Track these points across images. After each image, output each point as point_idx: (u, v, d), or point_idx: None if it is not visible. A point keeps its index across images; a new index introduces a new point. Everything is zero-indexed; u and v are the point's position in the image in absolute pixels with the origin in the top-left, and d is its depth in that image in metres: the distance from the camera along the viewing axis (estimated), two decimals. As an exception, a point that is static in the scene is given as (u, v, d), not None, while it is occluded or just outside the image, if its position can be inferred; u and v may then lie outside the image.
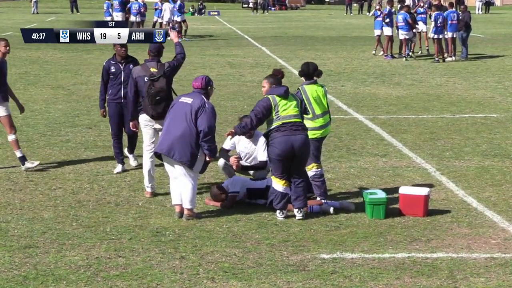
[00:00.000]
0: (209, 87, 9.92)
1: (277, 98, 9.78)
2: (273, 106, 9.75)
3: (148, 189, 10.86)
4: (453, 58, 28.87)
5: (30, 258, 8.34)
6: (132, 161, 12.61)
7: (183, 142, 9.56)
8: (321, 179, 10.40)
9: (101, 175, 12.06)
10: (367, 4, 72.84)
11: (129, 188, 11.30)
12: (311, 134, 10.15)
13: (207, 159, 9.71)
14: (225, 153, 11.02)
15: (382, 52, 30.18)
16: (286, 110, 9.75)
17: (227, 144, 11.06)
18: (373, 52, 30.95)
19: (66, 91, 20.70)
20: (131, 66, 12.03)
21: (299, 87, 10.36)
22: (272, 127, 9.73)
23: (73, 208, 10.29)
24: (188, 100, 9.75)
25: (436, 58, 28.38)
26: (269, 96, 9.81)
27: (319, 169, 10.40)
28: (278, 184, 9.80)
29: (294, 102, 9.86)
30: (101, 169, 12.40)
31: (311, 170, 10.31)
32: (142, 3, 40.38)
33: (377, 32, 30.50)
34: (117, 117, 12.20)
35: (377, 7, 32.57)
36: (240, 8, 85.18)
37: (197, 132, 9.58)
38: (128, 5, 40.85)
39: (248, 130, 10.00)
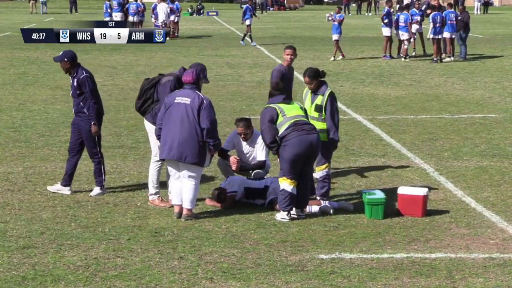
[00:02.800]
0: (199, 80, 9.87)
1: (279, 104, 9.93)
2: (278, 111, 9.86)
3: (150, 197, 10.58)
4: (452, 58, 28.88)
5: (29, 259, 8.34)
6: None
7: (193, 144, 9.55)
8: (329, 180, 10.45)
9: (100, 175, 12.04)
10: (366, 4, 72.83)
11: (128, 188, 11.29)
12: (324, 137, 10.30)
13: (212, 153, 9.83)
14: (225, 154, 11.01)
15: (341, 57, 29.37)
16: (291, 111, 9.90)
17: (226, 144, 11.06)
18: (332, 58, 29.39)
19: (64, 92, 20.67)
20: (75, 82, 10.78)
21: (331, 93, 10.32)
22: (286, 127, 9.78)
23: (72, 208, 10.29)
24: (186, 100, 9.68)
25: (435, 59, 28.39)
26: (270, 105, 9.97)
27: (329, 170, 10.45)
28: (289, 186, 9.77)
29: (298, 106, 10.07)
30: (100, 170, 12.38)
31: (323, 170, 10.35)
32: (140, 4, 40.37)
33: (334, 37, 29.49)
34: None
35: (333, 12, 31.23)
36: (238, 9, 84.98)
37: (202, 130, 9.58)
38: (126, 6, 40.87)
39: (274, 147, 9.88)
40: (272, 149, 9.99)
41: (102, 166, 10.94)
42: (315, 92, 10.36)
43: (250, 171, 10.94)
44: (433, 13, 28.91)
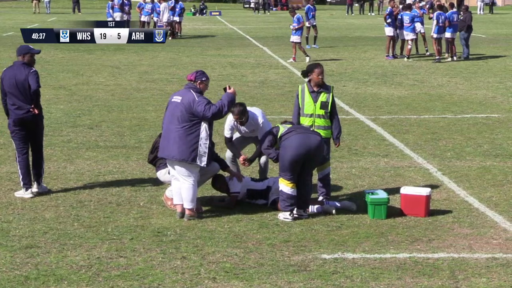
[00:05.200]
0: (199, 81, 9.85)
1: (283, 125, 10.16)
2: (280, 126, 10.10)
3: (167, 193, 10.46)
4: (454, 58, 28.87)
5: (32, 258, 8.34)
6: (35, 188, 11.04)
7: (181, 143, 9.57)
8: (329, 178, 10.46)
9: (103, 175, 12.06)
10: (369, 4, 72.78)
11: (131, 188, 11.29)
12: (329, 134, 10.40)
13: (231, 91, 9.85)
14: (230, 142, 10.94)
15: (291, 60, 28.18)
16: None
17: (226, 132, 10.96)
18: (291, 59, 28.31)
19: (67, 91, 20.71)
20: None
21: (333, 88, 10.41)
22: (287, 128, 9.95)
23: (75, 208, 10.29)
24: (178, 98, 9.73)
25: (437, 57, 28.41)
26: (278, 125, 10.25)
27: (330, 168, 10.48)
28: (286, 187, 9.79)
29: (318, 105, 10.20)
30: (103, 169, 12.40)
31: (326, 168, 10.36)
32: (156, 3, 40.13)
33: (294, 38, 28.34)
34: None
35: (292, 13, 29.51)
36: (241, 8, 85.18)
37: (193, 129, 9.57)
38: (140, 5, 40.73)
39: (270, 153, 10.05)
40: (269, 155, 10.09)
41: (17, 166, 10.98)
42: (317, 90, 10.30)
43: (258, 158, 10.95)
44: (436, 12, 28.94)
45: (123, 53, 31.29)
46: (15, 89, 10.74)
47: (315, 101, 10.28)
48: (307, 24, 33.33)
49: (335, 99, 10.59)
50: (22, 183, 10.88)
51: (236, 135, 11.08)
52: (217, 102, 9.74)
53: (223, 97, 9.80)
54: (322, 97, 10.24)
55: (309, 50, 31.54)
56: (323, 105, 10.23)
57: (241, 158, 10.83)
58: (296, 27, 28.45)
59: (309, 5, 34.14)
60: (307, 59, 28.03)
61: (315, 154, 9.81)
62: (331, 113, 10.28)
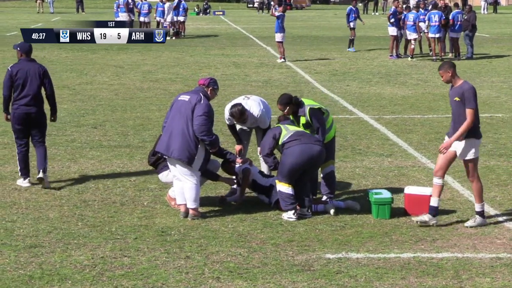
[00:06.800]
0: (210, 88, 9.92)
1: (285, 125, 10.15)
2: (282, 128, 10.08)
3: (170, 193, 10.46)
4: (458, 58, 28.89)
5: (36, 258, 8.35)
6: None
7: (182, 140, 9.58)
8: (334, 176, 10.46)
9: (106, 174, 12.06)
10: (373, 3, 72.73)
11: (134, 188, 11.30)
12: (328, 137, 10.43)
13: (211, 151, 9.82)
14: (233, 129, 10.95)
15: (282, 60, 27.99)
16: (295, 128, 10.14)
17: (227, 122, 10.94)
18: (282, 60, 28.14)
19: (71, 91, 20.72)
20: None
21: (309, 109, 10.28)
22: (289, 135, 9.95)
23: (79, 207, 10.30)
24: (186, 97, 9.78)
25: (440, 57, 28.46)
26: (279, 125, 10.23)
27: (333, 166, 10.49)
28: (283, 187, 9.84)
29: (302, 127, 10.22)
30: (106, 169, 12.41)
31: (328, 166, 10.37)
32: (158, 3, 40.10)
33: (276, 37, 28.33)
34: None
35: (274, 8, 29.62)
36: (245, 8, 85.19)
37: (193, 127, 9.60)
38: (138, 5, 40.71)
39: (269, 161, 10.10)
40: (267, 162, 10.16)
41: (17, 157, 11.44)
42: (295, 115, 10.34)
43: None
44: (430, 12, 29.02)
45: (126, 52, 31.31)
46: (26, 83, 10.88)
47: (298, 124, 10.38)
48: (350, 25, 32.51)
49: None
50: (20, 173, 11.34)
51: (238, 126, 11.09)
52: (214, 135, 9.70)
53: (226, 153, 10.26)
54: (302, 120, 10.35)
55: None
56: (306, 126, 10.35)
57: (238, 148, 10.87)
58: (276, 14, 28.31)
59: (351, 6, 32.91)
60: (280, 60, 28.15)
61: (316, 162, 9.93)
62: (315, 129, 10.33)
